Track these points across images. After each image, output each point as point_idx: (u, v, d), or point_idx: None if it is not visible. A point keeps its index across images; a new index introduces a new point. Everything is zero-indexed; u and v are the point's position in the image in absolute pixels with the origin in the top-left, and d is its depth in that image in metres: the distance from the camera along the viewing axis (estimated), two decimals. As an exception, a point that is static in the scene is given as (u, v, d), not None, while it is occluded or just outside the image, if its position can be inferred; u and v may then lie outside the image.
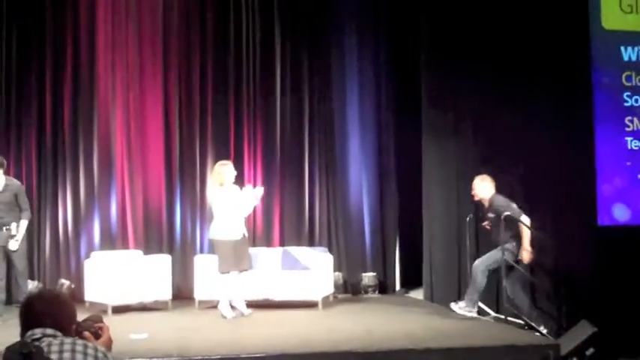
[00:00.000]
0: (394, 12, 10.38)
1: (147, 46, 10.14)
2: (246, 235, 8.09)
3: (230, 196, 7.89)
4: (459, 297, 8.33)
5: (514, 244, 7.63)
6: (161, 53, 10.11)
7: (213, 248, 8.28)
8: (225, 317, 7.74)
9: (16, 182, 8.48)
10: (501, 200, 7.76)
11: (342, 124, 10.46)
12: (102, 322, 2.84)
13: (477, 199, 8.00)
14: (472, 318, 7.58)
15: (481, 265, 7.66)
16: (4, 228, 8.21)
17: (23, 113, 9.74)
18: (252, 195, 7.97)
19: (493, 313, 7.70)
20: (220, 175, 7.93)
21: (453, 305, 7.81)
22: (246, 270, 7.94)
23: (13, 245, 8.23)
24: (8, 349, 2.40)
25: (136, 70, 10.05)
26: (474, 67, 8.36)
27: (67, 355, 2.40)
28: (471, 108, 8.39)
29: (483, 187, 7.88)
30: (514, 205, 7.70)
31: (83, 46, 9.95)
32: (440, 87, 9.06)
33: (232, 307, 7.89)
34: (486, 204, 7.88)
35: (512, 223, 7.61)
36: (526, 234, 7.59)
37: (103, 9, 10.02)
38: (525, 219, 7.64)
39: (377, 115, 10.47)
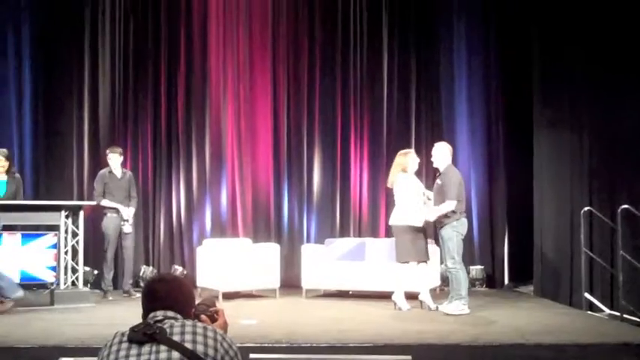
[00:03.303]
0: (504, 3, 10.16)
1: (257, 39, 10.37)
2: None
3: (411, 183, 7.87)
4: (570, 292, 8.10)
5: (459, 218, 7.42)
6: (270, 46, 10.32)
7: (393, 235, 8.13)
8: (400, 309, 7.62)
9: (130, 172, 9.18)
10: (454, 175, 7.51)
11: (450, 116, 10.36)
12: (215, 305, 2.92)
13: (434, 165, 7.83)
14: (577, 314, 7.36)
15: (450, 262, 7.44)
16: (120, 214, 8.78)
17: (139, 106, 10.17)
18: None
19: (608, 310, 7.42)
20: (402, 163, 7.90)
21: (442, 307, 7.48)
22: (424, 262, 7.81)
23: (127, 228, 8.82)
24: (132, 329, 2.49)
25: (246, 63, 10.30)
26: (589, 60, 8.05)
27: (188, 336, 2.47)
28: (584, 101, 8.08)
29: (440, 154, 7.65)
30: (457, 187, 7.40)
31: (196, 40, 10.30)
32: (553, 80, 8.79)
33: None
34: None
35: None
36: (441, 211, 7.35)
37: (215, 3, 10.30)
38: (450, 204, 7.33)
39: (486, 106, 10.29)
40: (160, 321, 2.52)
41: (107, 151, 9.11)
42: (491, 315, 7.42)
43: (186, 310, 2.67)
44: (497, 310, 7.80)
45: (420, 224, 7.73)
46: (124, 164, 9.18)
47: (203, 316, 2.82)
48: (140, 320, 2.60)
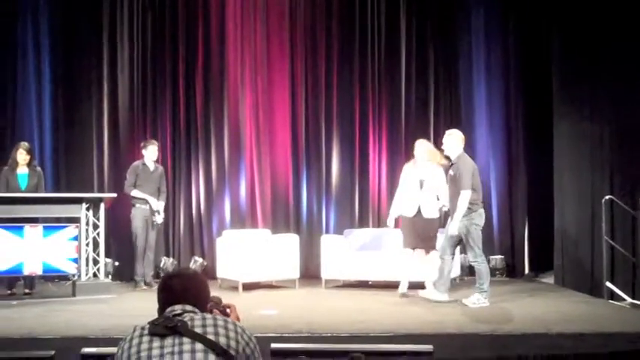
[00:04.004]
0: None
1: (274, 30, 10.37)
2: (432, 216, 8.03)
3: (409, 174, 8.01)
4: (591, 281, 8.05)
5: (475, 209, 7.29)
6: (288, 38, 10.31)
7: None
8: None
9: (162, 167, 9.27)
10: (467, 164, 7.36)
11: (469, 107, 10.31)
12: (220, 303, 2.94)
13: (444, 154, 7.66)
14: (598, 303, 7.34)
15: (471, 255, 7.39)
16: (149, 206, 8.86)
17: (158, 99, 10.21)
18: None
19: (629, 299, 7.36)
20: (414, 153, 8.06)
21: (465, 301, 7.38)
22: (422, 249, 7.97)
23: (159, 219, 8.93)
24: (153, 323, 2.50)
25: (264, 55, 10.30)
26: (608, 51, 7.97)
27: (210, 329, 2.48)
28: (604, 92, 8.01)
29: (452, 142, 7.49)
30: (470, 177, 7.25)
31: (214, 32, 10.31)
32: (572, 71, 8.71)
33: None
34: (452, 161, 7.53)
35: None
36: (460, 213, 7.21)
37: (233, -3, 10.31)
38: (465, 196, 7.20)
39: (505, 97, 10.23)
40: (180, 315, 2.53)
41: (143, 143, 9.16)
42: (512, 305, 7.39)
43: (202, 304, 2.68)
44: (518, 300, 7.77)
45: (411, 214, 7.87)
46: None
47: (216, 311, 2.83)
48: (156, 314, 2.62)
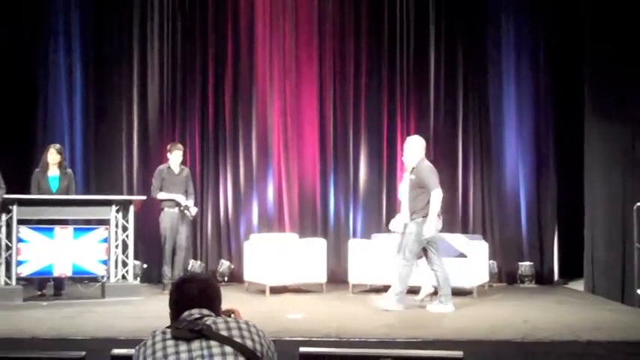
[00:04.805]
0: None
1: (303, 36, 10.38)
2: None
3: (404, 181, 7.98)
4: (622, 289, 7.94)
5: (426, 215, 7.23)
6: (316, 43, 10.33)
7: None
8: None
9: (187, 169, 9.25)
10: (428, 166, 7.39)
11: (498, 112, 10.22)
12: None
13: (404, 159, 7.68)
14: (629, 311, 7.24)
15: (400, 255, 7.36)
16: (178, 208, 8.85)
17: (187, 102, 10.27)
18: None
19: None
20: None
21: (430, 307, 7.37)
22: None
23: (193, 210, 8.97)
24: (176, 327, 2.47)
25: (292, 59, 10.32)
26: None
27: (235, 332, 2.47)
28: (636, 94, 7.91)
29: (412, 149, 7.49)
30: (435, 177, 7.32)
31: (243, 36, 10.35)
32: (603, 74, 8.62)
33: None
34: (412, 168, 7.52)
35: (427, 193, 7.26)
36: (433, 213, 7.18)
37: (262, 1, 10.34)
38: (436, 194, 7.21)
39: (535, 101, 10.12)
40: (199, 319, 2.51)
41: (169, 147, 9.15)
42: (542, 312, 7.33)
43: (217, 308, 2.66)
44: (548, 307, 7.70)
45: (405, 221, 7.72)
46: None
47: (224, 316, 2.81)
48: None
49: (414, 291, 7.81)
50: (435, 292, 7.59)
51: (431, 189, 7.25)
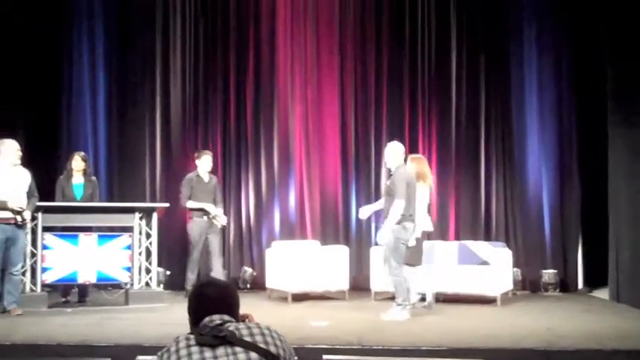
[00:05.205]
0: (576, 3, 9.94)
1: (324, 41, 10.41)
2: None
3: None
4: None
5: (400, 222, 7.24)
6: (337, 48, 10.35)
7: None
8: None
9: (216, 177, 9.21)
10: (402, 174, 7.38)
11: (521, 116, 10.17)
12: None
13: (387, 166, 7.74)
14: None
15: (387, 266, 7.35)
16: (206, 217, 8.82)
17: (209, 108, 10.36)
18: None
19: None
20: None
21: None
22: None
23: (222, 220, 8.98)
24: (199, 333, 2.46)
25: (314, 65, 10.36)
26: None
27: (258, 337, 2.46)
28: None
29: (391, 155, 7.56)
30: (404, 186, 7.27)
31: (264, 43, 10.41)
32: (627, 77, 8.55)
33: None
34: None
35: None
36: (393, 215, 7.19)
37: (283, 6, 10.39)
38: (399, 205, 7.18)
39: (558, 106, 10.07)
40: (221, 324, 2.50)
41: (196, 154, 9.13)
42: (566, 320, 7.27)
43: (237, 314, 2.65)
44: (572, 315, 7.64)
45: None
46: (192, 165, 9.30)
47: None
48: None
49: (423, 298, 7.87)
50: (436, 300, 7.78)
51: (395, 197, 7.27)
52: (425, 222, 7.97)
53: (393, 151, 7.61)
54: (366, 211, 8.13)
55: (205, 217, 8.85)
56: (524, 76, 10.19)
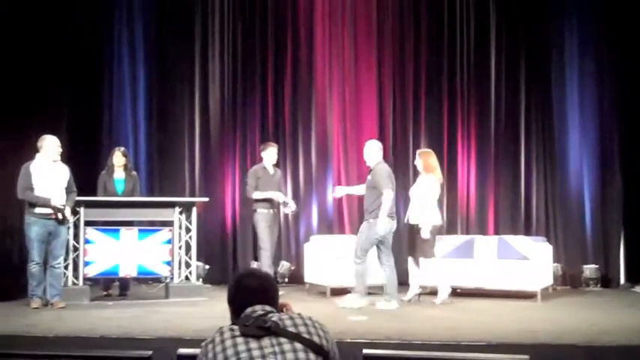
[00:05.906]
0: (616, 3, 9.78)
1: (362, 40, 10.44)
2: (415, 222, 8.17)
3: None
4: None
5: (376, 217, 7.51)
6: (375, 48, 10.34)
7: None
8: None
9: (280, 171, 9.13)
10: (382, 169, 7.64)
11: (561, 111, 10.06)
12: None
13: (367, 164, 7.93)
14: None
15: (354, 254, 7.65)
16: (272, 209, 8.71)
17: (247, 106, 10.43)
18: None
19: None
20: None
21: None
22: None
23: (292, 206, 9.04)
24: (243, 324, 2.47)
25: (352, 64, 10.38)
26: None
27: (302, 328, 2.48)
28: None
29: (370, 152, 7.80)
30: (387, 178, 7.56)
31: (302, 41, 10.45)
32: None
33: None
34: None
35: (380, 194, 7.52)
36: (383, 206, 7.42)
37: (321, 7, 10.42)
38: (387, 195, 7.44)
39: (599, 102, 9.93)
40: (264, 315, 2.51)
41: (261, 146, 8.98)
42: (608, 316, 7.17)
43: (277, 304, 2.66)
44: (614, 311, 7.53)
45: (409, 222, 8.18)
46: (232, 161, 9.33)
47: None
48: None
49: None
50: (424, 293, 8.10)
51: (381, 190, 7.48)
52: (435, 216, 8.05)
53: (370, 149, 7.87)
54: (341, 191, 8.52)
55: (271, 210, 8.67)
56: (565, 70, 10.08)
